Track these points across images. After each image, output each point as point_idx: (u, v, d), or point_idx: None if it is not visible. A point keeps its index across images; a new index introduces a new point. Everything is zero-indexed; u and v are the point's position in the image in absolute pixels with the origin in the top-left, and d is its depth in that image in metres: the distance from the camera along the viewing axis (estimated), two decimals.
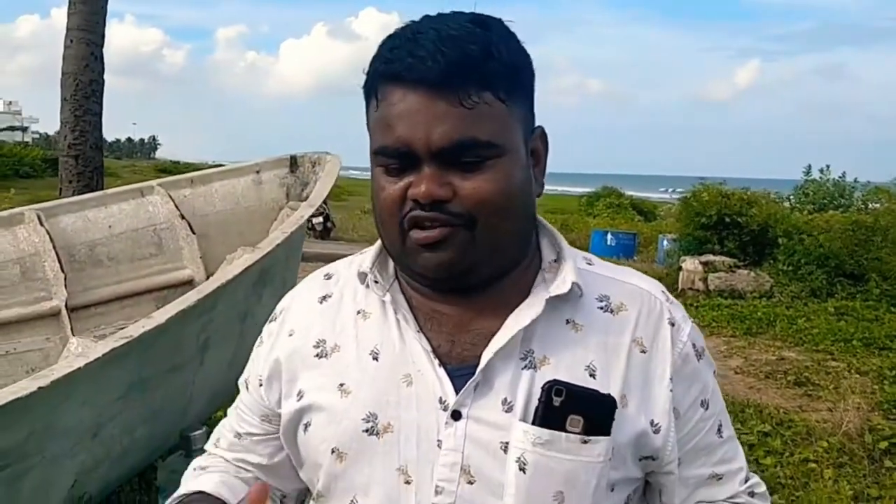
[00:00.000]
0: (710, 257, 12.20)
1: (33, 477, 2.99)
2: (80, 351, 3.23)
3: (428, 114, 0.99)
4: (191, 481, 1.23)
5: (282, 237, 3.93)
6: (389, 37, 1.05)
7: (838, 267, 11.67)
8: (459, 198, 1.01)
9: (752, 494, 1.21)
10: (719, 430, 1.18)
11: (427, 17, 1.06)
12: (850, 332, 9.26)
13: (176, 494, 1.20)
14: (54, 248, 4.55)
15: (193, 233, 4.87)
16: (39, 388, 2.63)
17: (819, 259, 11.67)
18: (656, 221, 25.84)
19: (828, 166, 18.15)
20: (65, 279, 4.53)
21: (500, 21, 1.07)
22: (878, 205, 14.53)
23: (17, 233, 4.56)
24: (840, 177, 18.06)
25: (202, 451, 3.40)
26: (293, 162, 5.04)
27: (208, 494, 1.15)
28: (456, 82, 0.98)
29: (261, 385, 1.19)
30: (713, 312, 10.55)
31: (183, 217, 4.90)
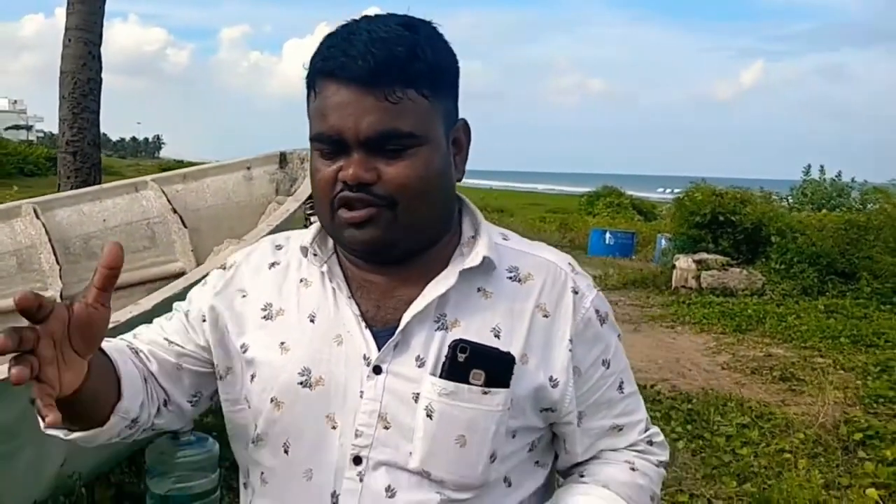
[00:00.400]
0: (704, 255, 12.33)
1: (25, 455, 3.14)
2: None
3: (357, 107, 1.12)
4: None
5: (267, 230, 4.08)
6: (328, 35, 1.19)
7: (830, 265, 11.81)
8: (383, 181, 1.14)
9: (650, 443, 1.35)
10: (620, 387, 1.31)
11: (365, 17, 1.19)
12: (839, 329, 9.39)
13: None
14: (50, 240, 4.71)
15: (185, 227, 5.04)
16: None
17: (811, 257, 11.81)
18: (656, 221, 25.94)
19: (822, 166, 18.28)
20: (60, 271, 4.70)
21: (428, 24, 1.20)
22: (875, 205, 14.67)
23: (14, 225, 4.73)
24: (836, 176, 18.20)
25: (189, 433, 3.52)
26: (283, 158, 5.20)
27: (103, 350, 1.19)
28: (383, 80, 1.12)
29: (204, 321, 1.31)
30: (704, 310, 10.67)
31: (175, 211, 5.06)
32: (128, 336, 1.35)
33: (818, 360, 8.17)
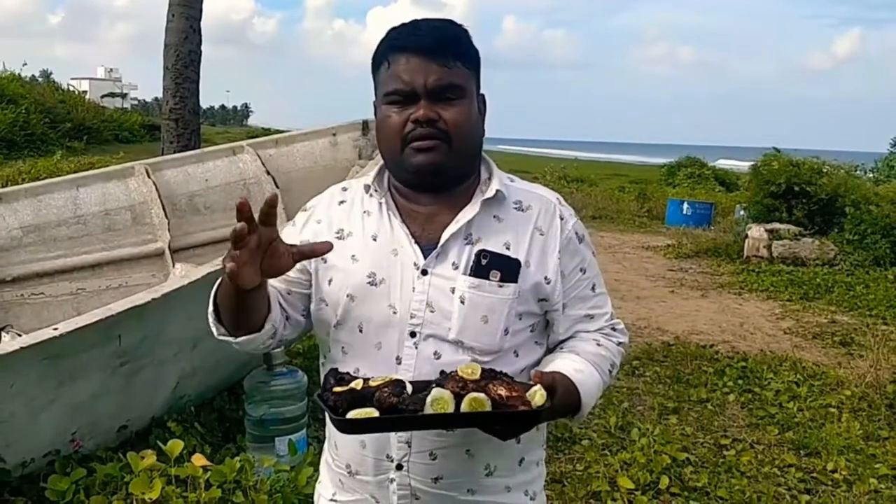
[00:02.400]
0: (776, 225, 12.45)
1: (146, 374, 3.73)
2: (183, 273, 3.94)
3: (426, 69, 1.63)
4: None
5: None
6: (394, 27, 1.70)
7: None
8: (443, 119, 1.64)
9: (613, 329, 1.83)
10: (593, 288, 1.79)
11: (420, 18, 1.71)
12: None
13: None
14: (160, 197, 5.32)
15: (277, 187, 5.58)
16: (153, 299, 3.35)
17: (885, 228, 11.81)
18: (738, 192, 25.62)
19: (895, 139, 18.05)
20: (168, 224, 5.32)
21: (462, 25, 1.72)
22: None
23: (129, 184, 5.36)
24: None
25: (282, 365, 3.98)
26: (365, 126, 5.69)
27: None
28: (443, 52, 1.63)
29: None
30: (772, 278, 10.87)
31: (269, 173, 5.62)
32: None
33: (882, 328, 8.32)
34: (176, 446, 3.22)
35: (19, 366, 3.11)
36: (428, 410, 1.43)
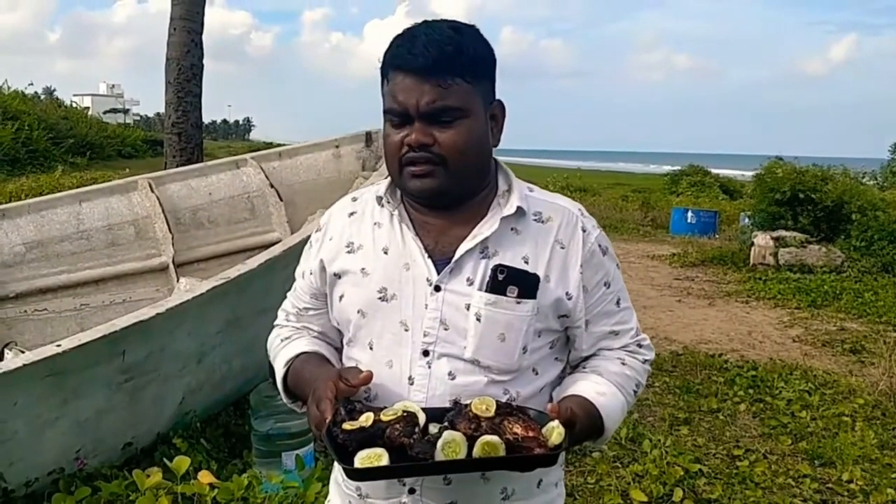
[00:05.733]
0: (782, 233, 12.38)
1: (151, 390, 3.68)
2: (188, 288, 3.89)
3: (419, 90, 1.54)
4: (285, 349, 1.77)
5: None
6: (396, 36, 1.61)
7: None
8: (438, 143, 1.56)
9: (639, 346, 1.74)
10: (618, 303, 1.71)
11: (424, 22, 1.62)
12: None
13: (281, 360, 1.75)
14: (163, 211, 5.28)
15: (281, 200, 5.56)
16: (157, 314, 3.30)
17: (892, 234, 11.76)
18: (742, 200, 25.58)
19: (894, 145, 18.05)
20: (172, 239, 5.28)
21: (472, 27, 1.62)
22: None
23: (132, 198, 5.32)
24: None
25: None
26: (368, 137, 5.66)
27: (309, 352, 1.72)
28: (436, 72, 1.54)
29: (311, 274, 1.75)
30: (780, 286, 10.79)
31: (272, 186, 5.58)
32: (281, 321, 1.86)
33: (892, 335, 8.24)
34: (182, 463, 3.17)
35: (23, 383, 3.07)
36: (439, 455, 1.38)
